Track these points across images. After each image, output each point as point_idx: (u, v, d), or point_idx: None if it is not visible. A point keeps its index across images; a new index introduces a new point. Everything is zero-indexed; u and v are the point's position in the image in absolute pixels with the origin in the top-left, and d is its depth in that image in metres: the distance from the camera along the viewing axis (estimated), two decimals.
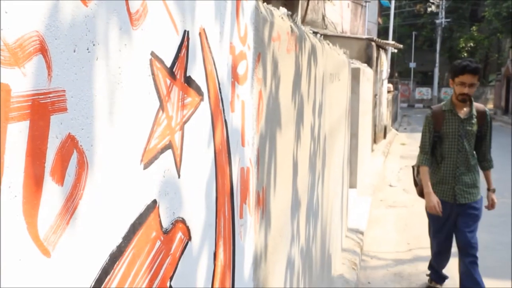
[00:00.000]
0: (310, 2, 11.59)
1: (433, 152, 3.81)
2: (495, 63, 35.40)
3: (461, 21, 35.28)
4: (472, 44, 33.80)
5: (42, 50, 0.65)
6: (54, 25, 0.67)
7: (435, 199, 3.74)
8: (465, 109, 3.72)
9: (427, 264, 4.64)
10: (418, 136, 16.10)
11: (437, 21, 32.84)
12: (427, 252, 5.34)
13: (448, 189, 3.78)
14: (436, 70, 33.43)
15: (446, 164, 3.75)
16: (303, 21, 11.07)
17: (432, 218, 4.00)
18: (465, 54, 34.36)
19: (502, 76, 24.10)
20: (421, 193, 3.97)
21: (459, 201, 3.77)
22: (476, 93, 34.83)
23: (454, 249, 4.02)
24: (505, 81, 23.13)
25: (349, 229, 5.50)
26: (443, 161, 3.75)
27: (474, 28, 34.77)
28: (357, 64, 7.68)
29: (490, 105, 31.63)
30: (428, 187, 3.76)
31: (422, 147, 3.81)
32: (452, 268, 4.30)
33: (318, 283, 3.15)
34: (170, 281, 1.05)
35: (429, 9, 38.78)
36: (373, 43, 11.20)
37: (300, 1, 10.50)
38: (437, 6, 35.55)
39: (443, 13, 32.70)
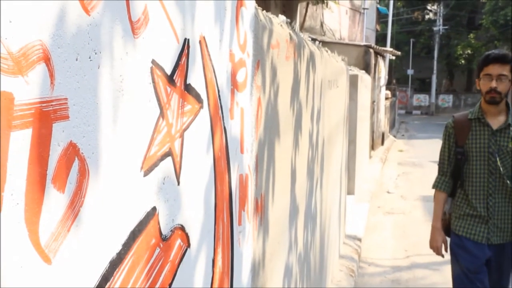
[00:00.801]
0: (308, 9, 11.66)
1: (456, 174, 2.80)
2: None
3: (459, 29, 35.46)
4: (469, 52, 33.94)
5: (45, 58, 0.66)
6: (57, 34, 0.68)
7: (440, 239, 2.89)
8: (499, 117, 2.70)
9: (424, 271, 4.65)
10: (415, 143, 16.21)
11: (435, 29, 33.00)
12: (424, 259, 5.34)
13: (479, 225, 2.70)
14: (434, 77, 33.53)
15: (474, 191, 2.70)
16: (302, 27, 11.12)
17: (459, 272, 2.83)
18: (463, 61, 34.52)
19: None
20: (447, 230, 2.92)
21: (492, 241, 2.70)
22: (473, 101, 35.02)
23: None
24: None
25: (346, 235, 5.51)
26: (470, 187, 2.71)
27: (471, 35, 34.95)
28: (355, 70, 7.71)
29: None
30: (437, 220, 2.88)
31: (439, 166, 2.87)
32: None
33: None
34: (169, 287, 1.05)
35: (427, 17, 38.98)
36: (371, 50, 11.25)
37: (298, 8, 10.56)
38: (435, 14, 35.76)
39: (441, 20, 32.87)
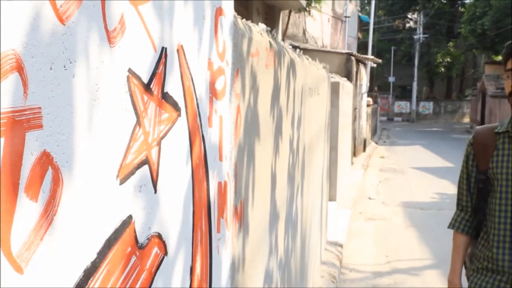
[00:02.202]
0: (291, 16, 11.75)
1: (480, 210, 2.04)
2: (471, 78, 36.27)
3: (438, 37, 36.12)
4: (449, 60, 34.59)
5: (18, 68, 0.66)
6: (31, 43, 0.68)
7: None
8: None
9: (404, 276, 4.70)
10: (397, 150, 16.39)
11: (415, 37, 33.56)
12: (405, 264, 5.40)
13: (501, 284, 1.92)
14: (415, 84, 34.04)
15: (497, 235, 1.92)
16: (284, 35, 11.21)
17: None
18: (442, 69, 35.13)
19: (477, 91, 24.70)
20: None
21: None
22: (453, 108, 35.65)
23: None
24: (480, 96, 23.70)
25: (328, 242, 5.53)
26: (493, 229, 1.94)
27: (450, 44, 35.63)
28: (337, 78, 7.79)
29: (466, 119, 32.31)
30: (454, 274, 2.08)
31: (458, 198, 2.13)
32: None
33: None
34: None
35: (407, 25, 39.62)
36: (353, 58, 11.39)
37: (281, 16, 10.64)
38: (415, 22, 36.34)
39: (421, 29, 33.45)
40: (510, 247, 1.88)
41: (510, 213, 1.89)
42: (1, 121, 0.63)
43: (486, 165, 1.96)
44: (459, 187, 2.11)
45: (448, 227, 2.13)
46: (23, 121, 0.67)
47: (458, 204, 2.12)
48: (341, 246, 5.61)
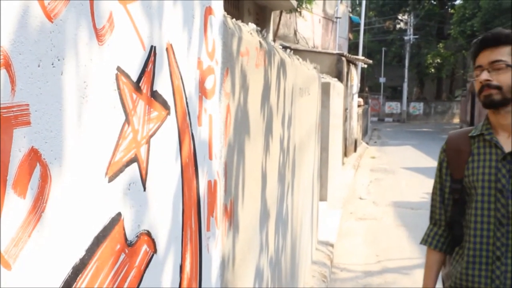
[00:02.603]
0: (282, 17, 11.77)
1: (456, 221, 1.82)
2: (460, 79, 36.56)
3: (428, 38, 36.39)
4: (439, 60, 34.85)
5: (6, 65, 0.66)
6: (18, 40, 0.68)
7: None
8: None
9: (395, 275, 4.73)
10: (387, 150, 16.47)
11: (406, 38, 33.78)
12: (395, 264, 5.44)
13: None
14: (405, 85, 34.27)
15: (474, 250, 1.72)
16: (275, 35, 11.23)
17: None
18: (432, 70, 35.40)
19: (467, 91, 24.91)
20: None
21: None
22: (443, 108, 35.91)
23: None
24: (470, 97, 23.92)
25: (319, 241, 5.55)
26: (469, 244, 1.73)
27: (440, 45, 35.90)
28: (328, 78, 7.82)
29: (456, 120, 32.57)
30: None
31: (431, 211, 1.92)
32: None
33: None
34: None
35: (398, 26, 39.87)
36: (344, 58, 11.44)
37: (272, 16, 10.66)
38: (406, 23, 36.61)
39: (411, 30, 33.69)
40: (487, 262, 1.67)
41: (487, 225, 1.68)
42: None
43: (461, 173, 1.76)
44: (432, 199, 1.90)
45: (420, 243, 1.91)
46: (11, 118, 0.67)
47: (431, 218, 1.90)
48: (332, 245, 5.63)
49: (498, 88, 1.64)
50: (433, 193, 1.90)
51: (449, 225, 1.85)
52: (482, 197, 1.70)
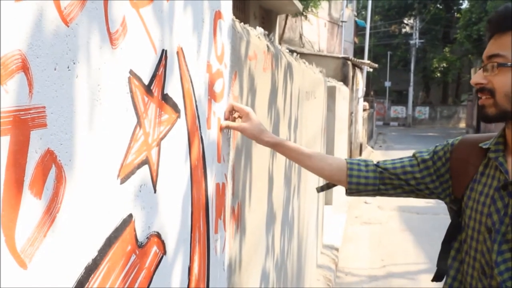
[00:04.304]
0: (288, 21, 11.80)
1: (442, 250, 1.40)
2: (467, 83, 36.40)
3: (434, 42, 36.32)
4: (445, 65, 34.77)
5: (24, 68, 0.67)
6: (36, 44, 0.70)
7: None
8: None
9: (400, 280, 4.72)
10: (393, 154, 16.46)
11: (411, 42, 33.74)
12: (401, 269, 5.42)
13: None
14: (411, 89, 34.20)
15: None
16: (281, 39, 11.25)
17: None
18: (438, 74, 35.32)
19: (473, 96, 24.83)
20: None
21: None
22: (448, 113, 35.79)
23: None
24: (476, 101, 23.86)
25: (324, 245, 5.55)
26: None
27: (446, 49, 35.82)
28: (333, 82, 7.82)
29: (462, 124, 32.45)
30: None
31: None
32: None
33: None
34: None
35: (403, 30, 39.83)
36: (349, 62, 11.44)
37: (278, 20, 10.68)
38: (411, 27, 36.57)
39: (417, 34, 33.64)
40: None
41: (472, 270, 1.29)
42: (7, 119, 0.65)
43: (461, 192, 1.35)
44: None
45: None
46: (28, 120, 0.69)
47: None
48: (337, 249, 5.62)
49: (491, 93, 1.20)
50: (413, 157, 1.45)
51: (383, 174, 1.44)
52: (472, 233, 1.28)
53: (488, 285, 1.22)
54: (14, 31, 0.65)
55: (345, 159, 1.52)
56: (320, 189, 1.63)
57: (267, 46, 2.19)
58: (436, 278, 1.39)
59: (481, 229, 1.25)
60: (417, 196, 1.47)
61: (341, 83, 9.46)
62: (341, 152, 8.56)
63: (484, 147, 1.31)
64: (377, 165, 1.47)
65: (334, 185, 1.56)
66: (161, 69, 1.11)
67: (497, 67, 1.17)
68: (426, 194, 1.44)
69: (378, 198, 9.19)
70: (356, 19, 23.19)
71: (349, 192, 1.48)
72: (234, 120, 1.63)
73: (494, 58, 1.18)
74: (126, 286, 0.97)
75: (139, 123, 1.01)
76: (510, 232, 1.17)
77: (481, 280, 1.25)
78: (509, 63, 1.15)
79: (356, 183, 1.45)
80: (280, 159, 2.58)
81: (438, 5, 36.06)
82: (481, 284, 1.25)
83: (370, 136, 20.35)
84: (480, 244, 1.25)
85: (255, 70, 1.98)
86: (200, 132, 1.39)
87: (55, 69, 0.74)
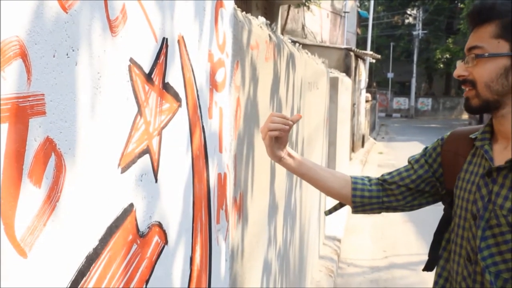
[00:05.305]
0: (290, 11, 11.73)
1: (434, 241, 1.44)
2: None
3: (438, 33, 36.10)
4: (448, 56, 34.56)
5: (22, 54, 0.66)
6: (34, 30, 0.69)
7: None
8: None
9: (402, 271, 4.72)
10: (395, 145, 16.43)
11: (414, 33, 33.53)
12: (403, 259, 5.43)
13: None
14: (413, 81, 34.05)
15: (444, 284, 1.38)
16: (283, 30, 11.19)
17: None
18: (441, 66, 35.12)
19: None
20: None
21: None
22: (451, 104, 35.66)
23: None
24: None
25: (326, 236, 5.55)
26: (441, 274, 1.39)
27: (450, 40, 35.59)
28: (336, 73, 7.79)
29: (465, 116, 32.35)
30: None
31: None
32: None
33: None
34: (146, 284, 1.06)
35: (406, 21, 39.58)
36: (352, 53, 11.38)
37: (280, 11, 10.62)
38: (414, 18, 36.33)
39: (420, 25, 33.42)
40: None
41: (458, 258, 1.31)
42: (5, 106, 0.64)
43: (452, 183, 1.36)
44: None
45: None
46: (27, 107, 0.68)
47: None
48: (339, 241, 5.63)
49: (473, 84, 1.22)
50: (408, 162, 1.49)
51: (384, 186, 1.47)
52: (459, 221, 1.31)
53: (473, 271, 1.25)
54: (11, 17, 0.64)
55: (350, 175, 1.54)
56: (328, 212, 1.61)
57: (269, 36, 2.18)
58: (427, 268, 1.43)
59: (467, 216, 1.28)
60: (420, 204, 1.47)
61: (344, 74, 9.42)
62: (343, 143, 8.55)
63: (472, 137, 1.34)
64: (377, 179, 1.50)
65: (342, 206, 1.56)
66: (162, 57, 1.10)
67: (475, 58, 1.20)
68: (427, 197, 1.45)
69: None
70: (359, 9, 23.05)
71: (354, 208, 1.48)
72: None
73: (473, 50, 1.21)
74: (127, 276, 0.97)
75: (139, 112, 1.00)
76: (493, 218, 1.20)
77: (466, 266, 1.27)
78: (487, 54, 1.18)
79: (360, 196, 1.47)
80: None
81: None
82: (466, 271, 1.27)
83: (372, 128, 20.31)
84: (466, 231, 1.28)
85: (257, 60, 1.97)
86: (202, 122, 1.38)
87: (54, 56, 0.73)
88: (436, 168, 1.41)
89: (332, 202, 6.94)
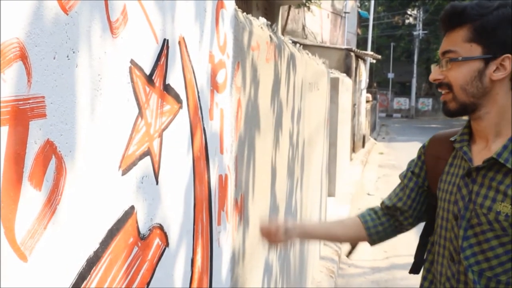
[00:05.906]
0: (290, 12, 11.73)
1: (420, 244, 1.48)
2: None
3: (438, 33, 36.06)
4: None
5: (22, 56, 0.66)
6: (34, 32, 0.68)
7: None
8: (493, 143, 1.24)
9: (403, 271, 4.71)
10: (396, 146, 16.40)
11: (415, 33, 33.53)
12: (403, 260, 5.42)
13: None
14: (414, 81, 34.04)
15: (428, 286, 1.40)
16: (284, 30, 11.18)
17: None
18: None
19: None
20: None
21: None
22: None
23: None
24: None
25: None
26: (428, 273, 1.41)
27: None
28: (336, 74, 7.78)
29: (465, 116, 32.23)
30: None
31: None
32: None
33: None
34: (147, 286, 1.06)
35: (407, 21, 39.57)
36: (352, 53, 11.37)
37: (280, 11, 10.62)
38: (415, 18, 36.32)
39: (421, 25, 33.42)
40: None
41: (441, 258, 1.32)
42: (5, 109, 0.63)
43: (435, 181, 1.38)
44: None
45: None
46: (27, 110, 0.67)
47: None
48: None
49: (449, 87, 1.24)
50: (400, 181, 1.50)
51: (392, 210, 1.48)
52: (441, 222, 1.32)
53: (456, 271, 1.27)
54: (11, 19, 0.64)
55: (356, 215, 1.56)
56: (348, 253, 1.64)
57: (270, 37, 2.17)
58: (413, 271, 1.47)
59: (449, 217, 1.30)
60: (421, 217, 1.48)
61: (344, 74, 9.42)
62: (344, 144, 8.54)
63: (452, 140, 1.37)
64: (381, 209, 1.53)
65: (358, 243, 1.63)
66: (163, 59, 1.09)
67: (449, 62, 1.23)
68: (426, 208, 1.47)
69: (381, 189, 9.20)
70: (359, 10, 23.05)
71: (373, 242, 1.53)
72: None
73: (447, 54, 1.24)
74: (128, 279, 0.96)
75: (140, 114, 0.99)
76: (474, 217, 1.22)
77: (450, 267, 1.29)
78: (460, 58, 1.21)
79: (376, 232, 1.50)
80: (283, 151, 2.57)
81: None
82: (450, 271, 1.29)
83: (373, 128, 20.30)
84: (449, 231, 1.30)
85: (258, 61, 1.96)
86: (203, 123, 1.37)
87: (54, 58, 0.73)
88: (424, 176, 1.44)
89: (332, 202, 6.91)
